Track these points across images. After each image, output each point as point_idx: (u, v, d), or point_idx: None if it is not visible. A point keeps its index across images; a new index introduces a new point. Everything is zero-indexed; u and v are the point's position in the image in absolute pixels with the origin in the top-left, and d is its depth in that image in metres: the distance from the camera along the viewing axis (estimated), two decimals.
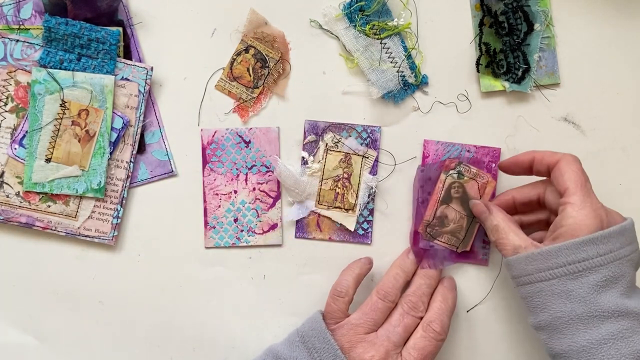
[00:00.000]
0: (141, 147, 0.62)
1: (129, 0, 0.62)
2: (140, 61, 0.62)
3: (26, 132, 0.60)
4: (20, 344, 0.62)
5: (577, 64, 0.62)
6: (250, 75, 0.59)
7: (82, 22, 0.59)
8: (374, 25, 0.59)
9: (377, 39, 0.59)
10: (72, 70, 0.59)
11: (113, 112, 0.60)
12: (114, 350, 0.62)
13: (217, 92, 0.62)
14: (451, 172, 0.60)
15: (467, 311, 0.63)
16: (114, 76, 0.60)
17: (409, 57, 0.59)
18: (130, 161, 0.61)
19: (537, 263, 0.51)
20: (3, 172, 0.60)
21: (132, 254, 0.62)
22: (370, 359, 0.55)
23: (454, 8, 0.62)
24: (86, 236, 0.61)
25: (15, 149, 0.60)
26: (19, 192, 0.60)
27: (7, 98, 0.60)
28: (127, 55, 0.61)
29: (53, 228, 0.60)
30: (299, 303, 0.62)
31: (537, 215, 0.59)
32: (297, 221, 0.63)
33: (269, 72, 0.59)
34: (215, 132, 0.62)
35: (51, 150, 0.60)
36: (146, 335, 0.62)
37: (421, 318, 0.57)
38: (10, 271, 0.62)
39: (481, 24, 0.62)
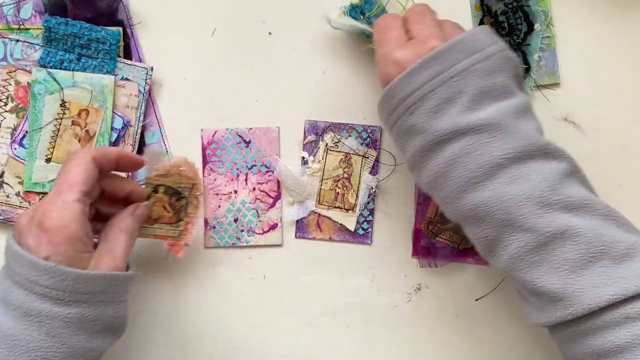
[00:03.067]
0: (141, 147, 0.62)
1: (129, 0, 0.62)
2: (140, 61, 0.62)
3: (26, 132, 0.60)
4: None
5: (577, 64, 0.62)
6: (169, 212, 0.59)
7: (82, 22, 0.59)
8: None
9: None
10: (72, 70, 0.59)
11: (113, 112, 0.60)
12: (113, 350, 0.62)
13: (218, 95, 0.62)
14: None
15: (457, 317, 0.63)
16: (114, 76, 0.60)
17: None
18: None
19: (385, 108, 0.51)
20: (3, 172, 0.60)
21: (132, 253, 0.62)
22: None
23: (454, 8, 0.62)
24: None
25: (15, 149, 0.60)
26: (19, 192, 0.60)
27: (7, 98, 0.60)
28: (127, 55, 0.61)
29: None
30: (299, 303, 0.62)
31: None
32: (297, 221, 0.63)
33: (187, 202, 0.59)
34: (215, 132, 0.62)
35: (51, 150, 0.60)
36: (146, 335, 0.62)
37: None
38: None
39: (481, 24, 0.62)
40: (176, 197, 0.58)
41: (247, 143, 0.62)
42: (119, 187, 0.54)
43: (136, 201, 0.55)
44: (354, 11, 0.59)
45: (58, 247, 0.46)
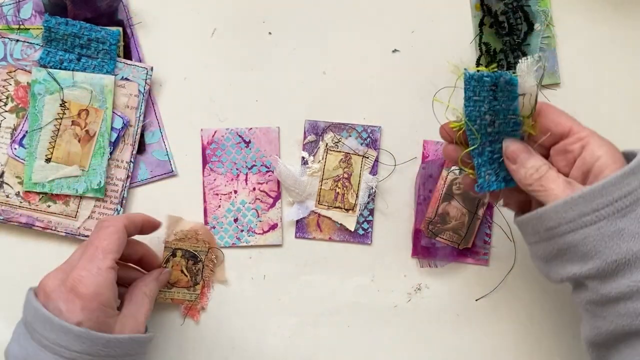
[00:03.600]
0: (141, 147, 0.62)
1: (129, 0, 0.62)
2: (140, 61, 0.62)
3: (26, 132, 0.60)
4: None
5: (577, 64, 0.62)
6: (186, 276, 0.61)
7: (82, 22, 0.59)
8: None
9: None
10: (72, 70, 0.59)
11: (113, 112, 0.60)
12: None
13: (218, 95, 0.62)
14: (453, 168, 0.60)
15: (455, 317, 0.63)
16: (114, 76, 0.60)
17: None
18: (130, 161, 0.61)
19: (581, 207, 0.45)
20: (3, 172, 0.60)
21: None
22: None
23: (454, 8, 0.62)
24: (86, 236, 0.61)
25: (15, 149, 0.60)
26: (19, 192, 0.60)
27: (7, 98, 0.60)
28: (127, 55, 0.61)
29: (53, 228, 0.60)
30: (299, 303, 0.62)
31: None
32: (297, 221, 0.63)
33: (203, 266, 0.61)
34: (215, 132, 0.62)
35: (51, 150, 0.60)
36: None
37: None
38: (10, 271, 0.62)
39: (481, 24, 0.62)
40: (193, 260, 0.61)
41: (247, 143, 0.62)
42: (135, 251, 0.57)
43: (148, 263, 0.58)
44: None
45: (92, 313, 0.48)
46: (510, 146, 0.50)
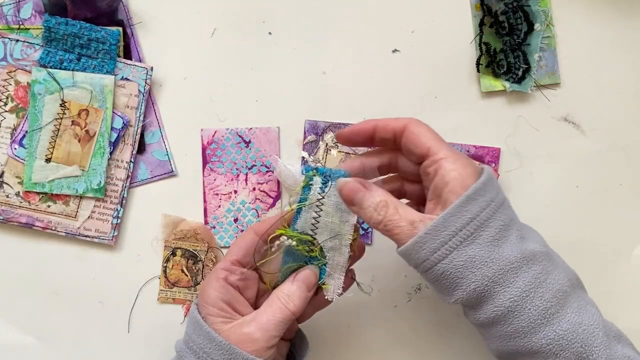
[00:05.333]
0: (141, 147, 0.62)
1: (129, 0, 0.62)
2: (140, 61, 0.62)
3: (26, 132, 0.60)
4: (20, 344, 0.62)
5: (577, 64, 0.62)
6: (187, 275, 0.61)
7: (82, 22, 0.59)
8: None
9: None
10: (72, 70, 0.59)
11: (113, 112, 0.60)
12: (114, 350, 0.62)
13: (218, 95, 0.62)
14: None
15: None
16: (114, 76, 0.60)
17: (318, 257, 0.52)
18: (130, 161, 0.61)
19: (429, 243, 0.44)
20: (3, 172, 0.60)
21: (132, 254, 0.62)
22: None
23: (454, 8, 0.62)
24: (86, 236, 0.61)
25: (15, 149, 0.60)
26: (19, 192, 0.60)
27: (7, 98, 0.60)
28: (127, 55, 0.61)
29: (53, 228, 0.60)
30: None
31: (391, 185, 0.53)
32: None
33: (203, 265, 0.61)
34: (215, 132, 0.62)
35: (51, 150, 0.60)
36: (146, 335, 0.62)
37: None
38: (10, 271, 0.62)
39: (481, 24, 0.62)
40: (193, 260, 0.61)
41: (247, 143, 0.62)
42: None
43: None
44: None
45: (207, 314, 0.50)
46: (344, 188, 0.48)
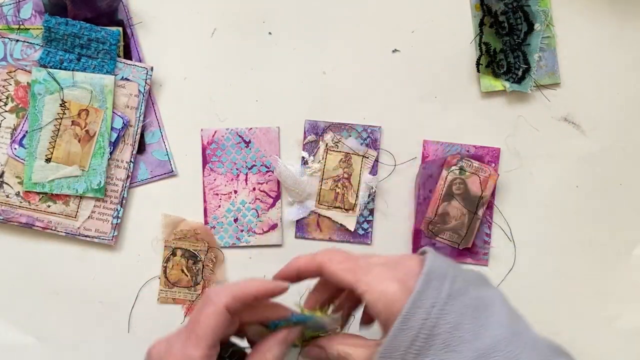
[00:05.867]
0: (141, 147, 0.62)
1: (129, 0, 0.62)
2: (140, 61, 0.62)
3: (26, 132, 0.60)
4: (20, 344, 0.62)
5: (577, 64, 0.62)
6: (187, 275, 0.61)
7: (82, 22, 0.59)
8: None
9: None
10: (72, 70, 0.59)
11: (113, 112, 0.60)
12: (114, 350, 0.62)
13: (218, 95, 0.62)
14: (453, 168, 0.61)
15: None
16: (114, 76, 0.60)
17: None
18: (130, 161, 0.61)
19: None
20: (3, 172, 0.60)
21: (132, 254, 0.62)
22: None
23: (454, 8, 0.62)
24: (86, 236, 0.61)
25: (15, 149, 0.60)
26: (19, 192, 0.60)
27: (7, 98, 0.60)
28: (127, 55, 0.61)
29: (53, 228, 0.60)
30: (299, 303, 0.62)
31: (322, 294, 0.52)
32: (297, 221, 0.63)
33: (203, 265, 0.61)
34: (215, 132, 0.62)
35: (51, 150, 0.60)
36: (146, 335, 0.62)
37: None
38: (10, 271, 0.62)
39: (481, 24, 0.62)
40: (193, 260, 0.61)
41: (247, 143, 0.62)
42: (256, 316, 0.49)
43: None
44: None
45: None
46: (309, 353, 0.49)
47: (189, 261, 0.61)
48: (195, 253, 0.61)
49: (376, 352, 0.44)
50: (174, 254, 0.61)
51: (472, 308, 0.45)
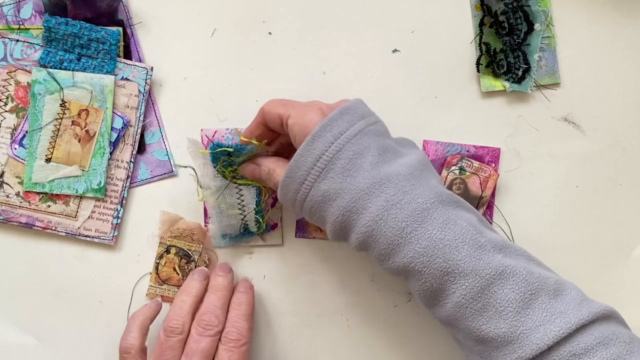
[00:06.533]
0: (141, 147, 0.62)
1: (129, 0, 0.62)
2: (140, 61, 0.62)
3: (26, 132, 0.60)
4: (20, 344, 0.62)
5: (577, 64, 0.62)
6: (178, 274, 0.61)
7: (82, 22, 0.59)
8: (235, 169, 0.58)
9: (235, 183, 0.58)
10: (72, 70, 0.59)
11: (113, 112, 0.60)
12: (114, 350, 0.62)
13: (218, 95, 0.62)
14: (453, 168, 0.61)
15: None
16: (114, 76, 0.60)
17: (258, 211, 0.59)
18: (130, 161, 0.61)
19: (291, 185, 0.50)
20: (3, 172, 0.60)
21: (132, 254, 0.62)
22: None
23: (454, 8, 0.62)
24: (86, 236, 0.61)
25: (15, 149, 0.60)
26: (19, 192, 0.60)
27: (7, 98, 0.60)
28: (127, 55, 0.61)
29: (53, 228, 0.60)
30: (299, 303, 0.62)
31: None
32: (297, 221, 0.63)
33: (195, 266, 0.61)
34: (215, 132, 0.62)
35: (51, 150, 0.60)
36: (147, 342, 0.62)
37: (220, 332, 0.54)
38: (10, 271, 0.62)
39: (481, 24, 0.62)
40: (186, 259, 0.61)
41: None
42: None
43: None
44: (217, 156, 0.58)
45: None
46: (244, 170, 0.57)
47: (182, 260, 0.61)
48: (190, 253, 0.61)
49: (284, 169, 0.50)
50: (167, 251, 0.61)
51: (381, 149, 0.49)
